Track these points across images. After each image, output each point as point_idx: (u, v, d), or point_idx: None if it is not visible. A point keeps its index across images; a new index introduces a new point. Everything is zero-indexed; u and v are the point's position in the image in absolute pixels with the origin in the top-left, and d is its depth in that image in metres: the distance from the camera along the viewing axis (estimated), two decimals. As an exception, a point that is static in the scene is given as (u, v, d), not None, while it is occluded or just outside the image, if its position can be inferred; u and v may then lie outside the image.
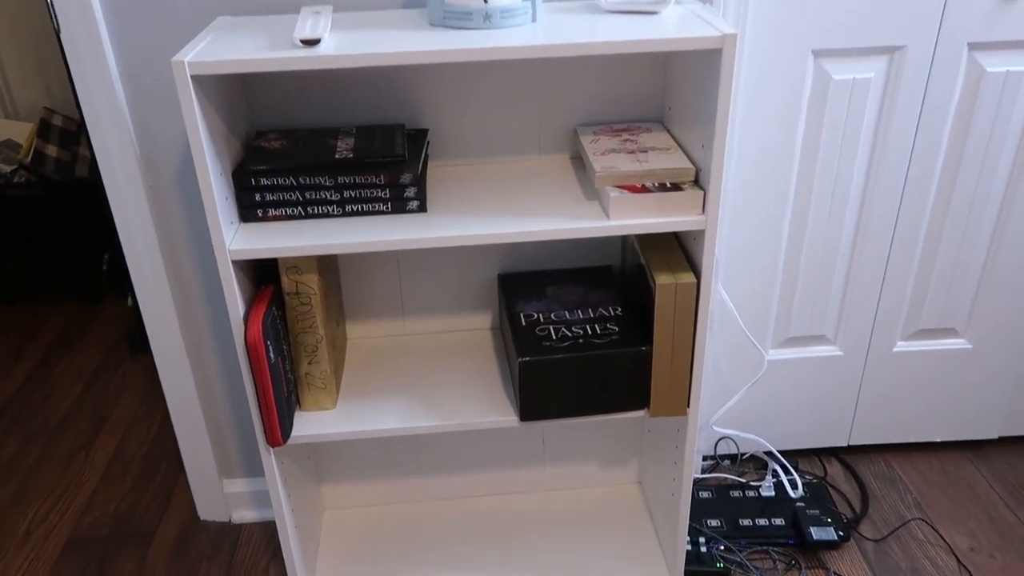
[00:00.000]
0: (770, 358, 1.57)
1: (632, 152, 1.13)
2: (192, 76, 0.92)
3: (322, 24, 0.98)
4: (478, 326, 1.41)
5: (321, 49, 0.94)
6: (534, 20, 1.04)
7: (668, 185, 1.07)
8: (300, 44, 0.94)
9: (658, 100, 1.25)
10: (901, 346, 1.58)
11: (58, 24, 1.14)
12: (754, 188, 1.40)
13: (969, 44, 1.30)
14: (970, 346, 1.58)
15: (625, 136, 1.20)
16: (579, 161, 1.27)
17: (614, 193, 1.05)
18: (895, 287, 1.51)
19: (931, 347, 1.58)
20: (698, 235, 1.09)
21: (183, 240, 1.32)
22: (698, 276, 1.10)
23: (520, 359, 1.13)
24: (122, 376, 2.07)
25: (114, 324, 2.31)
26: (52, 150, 2.36)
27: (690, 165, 1.08)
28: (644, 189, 1.06)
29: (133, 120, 1.21)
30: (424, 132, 1.21)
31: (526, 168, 1.25)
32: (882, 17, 1.27)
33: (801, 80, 1.31)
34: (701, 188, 1.06)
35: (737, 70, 1.28)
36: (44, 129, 2.37)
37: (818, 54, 1.30)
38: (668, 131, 1.22)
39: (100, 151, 1.22)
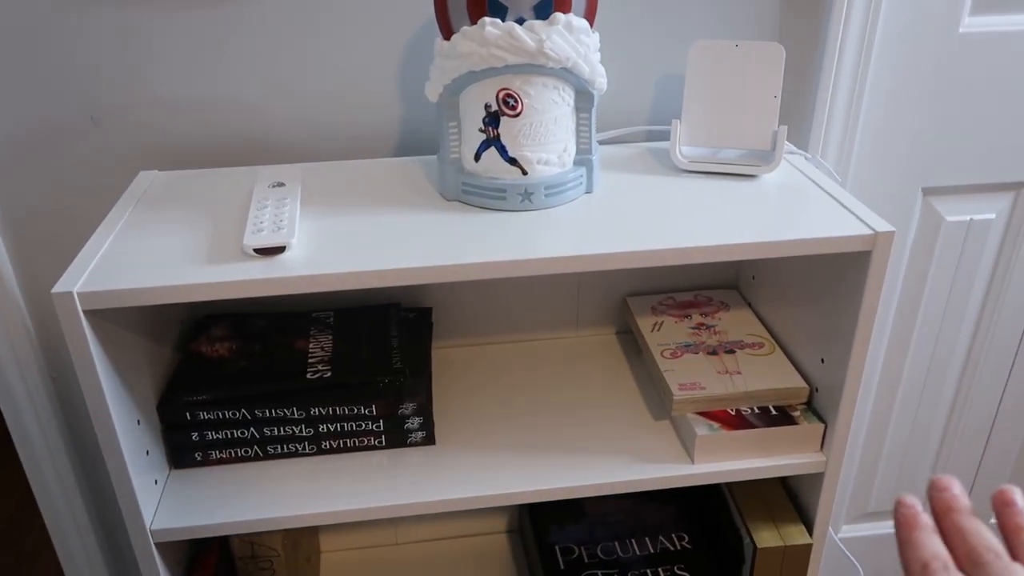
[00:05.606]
0: (842, 535, 1.28)
1: (714, 353, 0.83)
2: (86, 312, 0.60)
3: (286, 217, 0.66)
4: (490, 529, 1.10)
5: (285, 261, 0.62)
6: (589, 191, 0.74)
7: (772, 411, 0.77)
8: (253, 254, 0.63)
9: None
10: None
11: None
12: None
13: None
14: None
15: (696, 318, 0.90)
16: (628, 337, 0.97)
17: (700, 429, 0.75)
18: (995, 460, 1.23)
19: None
20: (812, 478, 0.79)
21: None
22: (810, 528, 0.80)
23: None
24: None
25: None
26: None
27: (803, 383, 0.78)
28: (740, 420, 0.76)
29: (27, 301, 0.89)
30: (427, 313, 0.90)
31: (561, 352, 0.94)
32: (1009, 151, 0.99)
33: (906, 222, 1.03)
34: (817, 416, 0.76)
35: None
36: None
37: (928, 192, 1.01)
38: (750, 306, 0.92)
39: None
